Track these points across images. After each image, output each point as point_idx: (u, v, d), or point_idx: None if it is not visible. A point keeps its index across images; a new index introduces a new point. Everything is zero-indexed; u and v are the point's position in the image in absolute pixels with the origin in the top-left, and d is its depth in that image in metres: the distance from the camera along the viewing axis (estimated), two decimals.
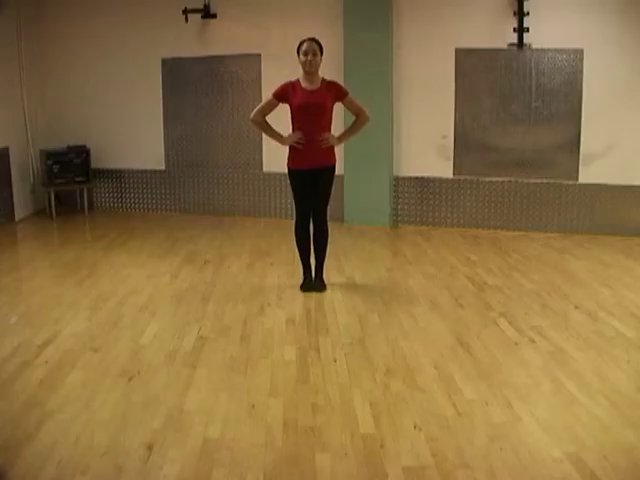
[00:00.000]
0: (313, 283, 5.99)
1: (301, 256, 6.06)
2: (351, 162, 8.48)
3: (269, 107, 5.79)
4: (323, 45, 5.56)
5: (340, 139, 5.92)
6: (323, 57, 5.64)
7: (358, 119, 5.85)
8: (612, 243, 7.83)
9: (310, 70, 5.59)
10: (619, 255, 7.30)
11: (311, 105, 5.60)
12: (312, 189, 5.80)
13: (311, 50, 5.55)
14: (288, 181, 5.91)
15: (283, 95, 5.70)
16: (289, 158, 5.81)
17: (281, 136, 5.82)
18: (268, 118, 5.83)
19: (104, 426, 3.51)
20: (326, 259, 6.09)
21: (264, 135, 8.74)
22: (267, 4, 8.80)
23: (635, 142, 7.98)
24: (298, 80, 5.71)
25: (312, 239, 5.99)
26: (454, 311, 5.46)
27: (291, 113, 5.74)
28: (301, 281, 6.04)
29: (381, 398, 3.88)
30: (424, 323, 5.17)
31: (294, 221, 5.97)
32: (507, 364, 4.37)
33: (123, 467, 3.13)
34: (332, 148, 5.81)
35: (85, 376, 4.15)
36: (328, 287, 5.96)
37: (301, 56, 5.59)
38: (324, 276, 6.08)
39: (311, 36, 5.64)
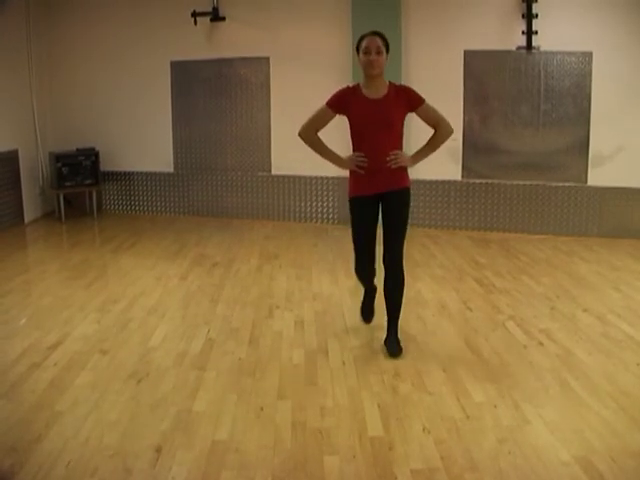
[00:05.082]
0: (387, 345, 4.67)
1: (364, 284, 5.02)
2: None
3: (322, 120, 4.57)
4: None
5: (415, 158, 4.63)
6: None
7: (438, 132, 4.61)
8: (621, 246, 7.82)
9: (373, 73, 4.39)
10: (628, 258, 7.29)
11: (376, 118, 4.41)
12: (375, 222, 4.64)
13: (374, 47, 4.35)
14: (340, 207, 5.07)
15: (340, 105, 4.50)
16: (350, 184, 4.64)
17: (340, 158, 4.66)
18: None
19: (113, 428, 3.52)
20: (400, 308, 4.77)
21: (272, 137, 8.87)
22: (276, 7, 8.82)
23: None
24: (359, 85, 4.52)
25: (385, 288, 4.67)
26: (463, 314, 5.46)
27: (351, 128, 4.56)
28: (360, 305, 5.15)
29: (390, 401, 3.87)
30: (433, 326, 5.17)
31: (354, 265, 4.82)
32: (516, 367, 4.36)
33: (132, 469, 3.14)
34: (404, 169, 4.57)
35: (94, 378, 4.16)
36: (336, 290, 5.87)
37: (361, 55, 4.40)
38: (399, 336, 4.73)
39: (375, 30, 4.48)
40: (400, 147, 4.55)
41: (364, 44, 4.38)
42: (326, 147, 4.68)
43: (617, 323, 5.18)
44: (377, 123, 4.41)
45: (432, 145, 4.65)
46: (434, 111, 4.57)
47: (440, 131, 4.60)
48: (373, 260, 4.74)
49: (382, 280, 4.65)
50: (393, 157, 4.44)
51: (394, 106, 4.44)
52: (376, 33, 4.42)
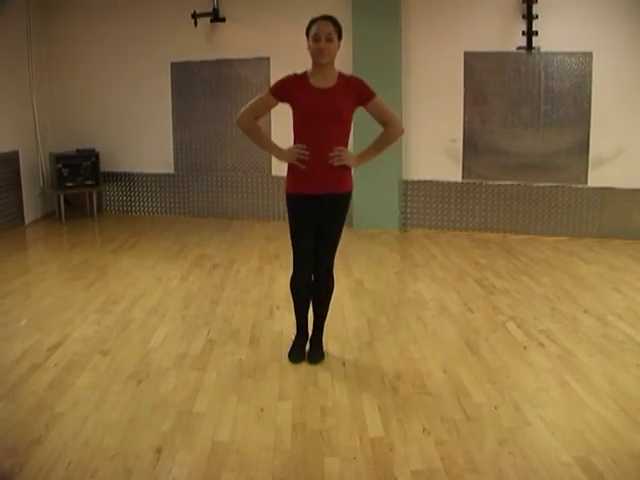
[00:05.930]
0: (307, 351, 4.57)
1: (296, 310, 4.54)
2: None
3: (263, 107, 4.28)
4: None
5: (360, 159, 4.34)
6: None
7: (388, 132, 4.28)
8: (621, 247, 7.82)
9: (322, 61, 4.04)
10: (628, 259, 7.28)
11: (322, 109, 4.04)
12: (316, 223, 4.29)
13: (325, 33, 4.01)
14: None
15: (284, 92, 4.15)
16: (288, 179, 4.32)
17: (279, 149, 4.34)
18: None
19: (113, 429, 3.52)
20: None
21: (272, 138, 8.81)
22: (276, 7, 8.82)
23: None
24: (306, 74, 4.16)
25: (313, 291, 4.50)
26: (463, 315, 5.46)
27: (294, 118, 4.21)
28: (291, 344, 4.59)
29: (390, 402, 3.87)
30: (433, 327, 5.17)
31: (292, 270, 4.42)
32: (516, 368, 4.36)
33: (132, 470, 3.13)
34: (348, 170, 4.25)
35: (94, 379, 4.16)
36: (336, 291, 5.72)
37: (310, 41, 4.07)
38: (323, 342, 4.64)
39: (326, 14, 4.17)
40: (346, 144, 4.20)
41: (314, 30, 4.05)
42: (265, 136, 4.45)
43: (617, 324, 5.18)
44: (323, 115, 4.06)
45: (380, 145, 4.33)
46: (385, 107, 4.23)
47: (390, 130, 4.28)
48: (311, 266, 4.37)
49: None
50: (337, 154, 4.11)
51: (342, 98, 4.09)
52: (327, 18, 4.11)
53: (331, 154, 4.09)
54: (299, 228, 4.28)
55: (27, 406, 3.77)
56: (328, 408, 3.80)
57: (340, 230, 4.34)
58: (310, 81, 4.11)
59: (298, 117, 4.17)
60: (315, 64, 4.10)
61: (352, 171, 4.34)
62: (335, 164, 4.12)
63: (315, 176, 4.15)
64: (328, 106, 4.05)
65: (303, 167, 4.14)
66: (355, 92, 4.12)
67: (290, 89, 4.12)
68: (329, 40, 4.02)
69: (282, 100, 4.18)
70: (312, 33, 4.05)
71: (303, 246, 4.30)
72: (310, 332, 4.61)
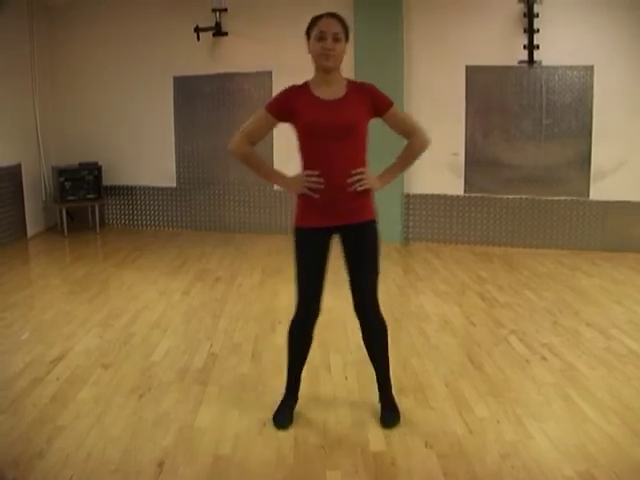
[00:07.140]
0: (381, 413, 3.82)
1: (290, 361, 3.88)
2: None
3: (260, 129, 3.60)
4: None
5: (384, 179, 3.62)
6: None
7: (413, 143, 3.64)
8: (623, 260, 7.81)
9: (328, 65, 3.38)
10: (630, 272, 7.28)
11: (332, 126, 3.37)
12: (327, 260, 3.61)
13: (331, 32, 3.34)
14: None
15: (284, 109, 3.48)
16: (298, 211, 3.62)
17: (286, 178, 3.65)
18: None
19: (115, 443, 3.52)
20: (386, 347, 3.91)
21: (274, 152, 8.84)
22: (278, 21, 8.85)
23: None
24: (307, 84, 3.51)
25: (364, 340, 3.82)
26: (465, 328, 5.45)
27: (299, 140, 3.51)
28: (276, 406, 3.84)
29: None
30: (435, 340, 5.16)
31: (293, 316, 3.79)
32: (518, 382, 4.35)
33: None
34: (369, 195, 3.56)
35: (96, 392, 4.16)
36: (338, 304, 5.45)
37: (313, 41, 3.40)
38: (394, 397, 3.90)
39: (332, 11, 3.46)
40: (364, 163, 3.52)
41: (318, 28, 3.37)
42: (265, 163, 3.78)
43: (620, 337, 5.17)
44: (334, 132, 3.37)
45: (406, 160, 3.69)
46: (406, 116, 3.69)
47: (416, 141, 3.63)
48: (317, 311, 3.70)
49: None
50: (358, 178, 3.43)
51: (356, 109, 3.43)
52: (334, 15, 3.42)
53: (350, 180, 3.42)
54: (308, 267, 3.62)
55: (29, 419, 3.77)
56: (330, 422, 3.79)
57: (377, 264, 3.60)
58: (314, 92, 3.46)
59: (304, 138, 3.48)
60: (319, 69, 3.44)
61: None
62: (358, 189, 3.44)
63: (331, 206, 3.48)
64: (339, 121, 3.38)
65: (317, 196, 3.45)
66: (370, 101, 3.47)
67: (291, 104, 3.45)
68: (336, 40, 3.35)
69: (281, 119, 3.51)
70: (316, 31, 3.37)
71: (310, 289, 3.66)
72: (377, 389, 3.89)
